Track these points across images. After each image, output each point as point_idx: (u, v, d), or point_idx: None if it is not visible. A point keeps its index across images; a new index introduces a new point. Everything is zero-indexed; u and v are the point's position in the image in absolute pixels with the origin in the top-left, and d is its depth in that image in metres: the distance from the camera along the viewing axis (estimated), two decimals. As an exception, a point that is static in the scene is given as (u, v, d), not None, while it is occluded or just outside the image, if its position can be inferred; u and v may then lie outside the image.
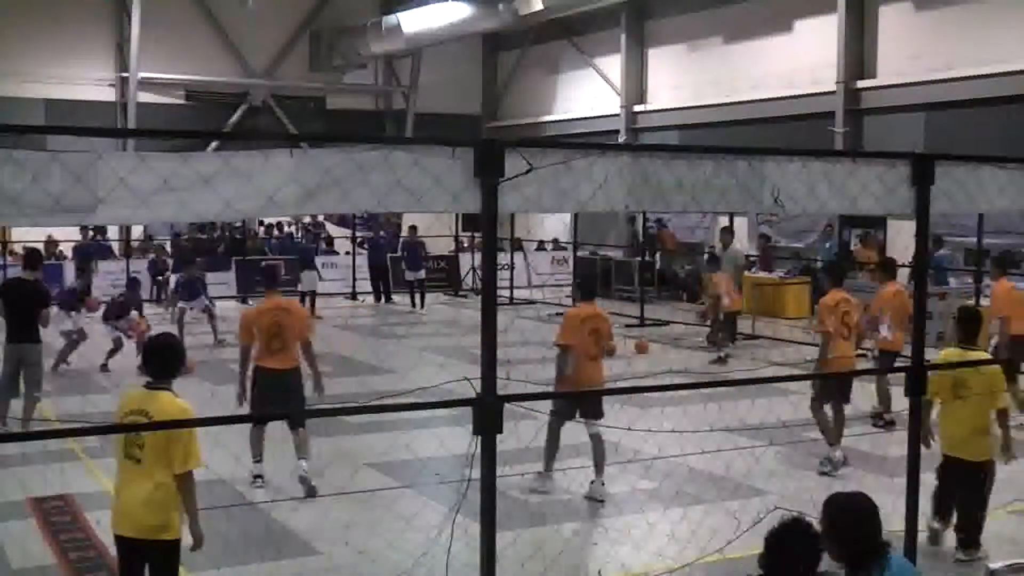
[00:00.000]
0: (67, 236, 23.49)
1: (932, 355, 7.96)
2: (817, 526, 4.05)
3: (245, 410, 9.02)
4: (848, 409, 11.75)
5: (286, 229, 29.91)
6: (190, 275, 18.95)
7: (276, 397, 8.95)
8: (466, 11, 27.90)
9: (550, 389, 9.49)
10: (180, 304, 18.13)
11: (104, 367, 14.75)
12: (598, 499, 8.82)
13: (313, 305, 22.03)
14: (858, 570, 4.06)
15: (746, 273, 22.60)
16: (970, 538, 7.34)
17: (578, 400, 8.95)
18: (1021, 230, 18.10)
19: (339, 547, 7.58)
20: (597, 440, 9.01)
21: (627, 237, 27.14)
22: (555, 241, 29.45)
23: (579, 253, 26.00)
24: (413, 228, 24.47)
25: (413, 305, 23.32)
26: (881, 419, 11.71)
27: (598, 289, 25.04)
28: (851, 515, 4.13)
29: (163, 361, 5.47)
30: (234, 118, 31.63)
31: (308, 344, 9.26)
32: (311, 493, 8.81)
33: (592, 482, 8.95)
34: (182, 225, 26.96)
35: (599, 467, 8.96)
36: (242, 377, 9.16)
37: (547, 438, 9.03)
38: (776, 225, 24.04)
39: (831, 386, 9.97)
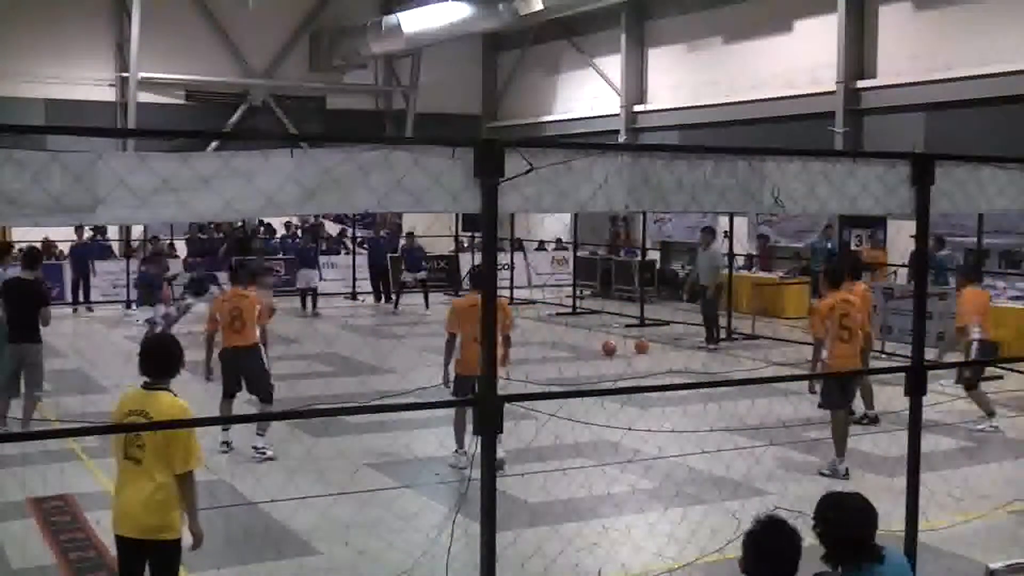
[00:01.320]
0: (63, 236, 23.49)
1: (933, 355, 8.02)
2: (793, 523, 4.03)
3: (217, 389, 10.20)
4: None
5: (291, 229, 29.91)
6: (199, 273, 19.43)
7: (239, 371, 10.27)
8: (466, 11, 27.89)
9: (551, 389, 9.50)
10: (188, 300, 18.41)
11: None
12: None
13: (315, 303, 22.04)
14: (851, 570, 4.06)
15: (746, 273, 22.67)
16: None
17: (473, 381, 9.33)
18: (1021, 230, 18.11)
19: (339, 547, 7.58)
20: None
21: (609, 236, 27.28)
22: (558, 241, 29.44)
23: (579, 253, 25.99)
24: (410, 235, 24.31)
25: (394, 304, 23.37)
26: (865, 417, 11.73)
27: (600, 289, 25.32)
28: (843, 514, 4.12)
29: (161, 361, 5.45)
30: (234, 118, 31.62)
31: (263, 327, 10.56)
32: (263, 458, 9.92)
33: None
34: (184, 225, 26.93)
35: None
36: (207, 359, 10.52)
37: (456, 422, 9.84)
38: (776, 225, 24.03)
39: (835, 392, 9.83)
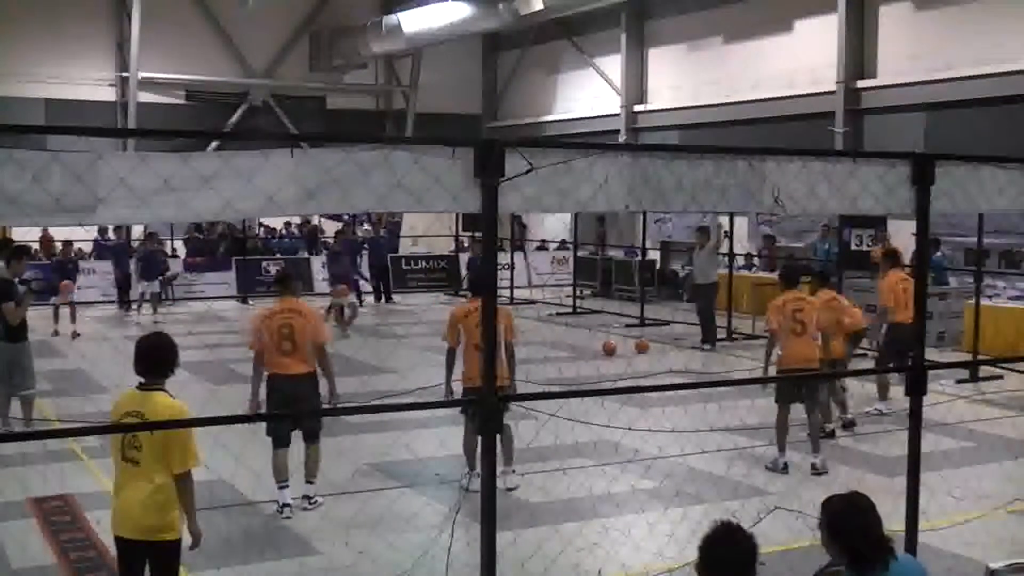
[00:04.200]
0: (63, 236, 23.49)
1: (933, 355, 8.03)
2: (749, 529, 3.99)
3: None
4: (849, 408, 11.78)
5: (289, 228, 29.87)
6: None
7: (292, 405, 8.37)
8: (466, 11, 27.89)
9: (551, 389, 9.50)
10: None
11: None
12: (511, 488, 8.94)
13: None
14: (861, 569, 4.03)
15: (746, 273, 22.66)
16: None
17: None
18: (1021, 230, 18.11)
19: (339, 547, 7.58)
20: (506, 430, 8.85)
21: (596, 235, 27.35)
22: (562, 241, 29.44)
23: (579, 253, 25.99)
24: (342, 230, 23.84)
25: (361, 302, 23.21)
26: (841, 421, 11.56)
27: (600, 289, 25.31)
28: (850, 515, 4.09)
29: (155, 361, 5.43)
30: (234, 118, 31.62)
31: (322, 349, 8.65)
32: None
33: (502, 471, 8.77)
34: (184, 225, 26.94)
35: (507, 458, 9.01)
36: (254, 385, 8.52)
37: (466, 441, 8.94)
38: (776, 225, 24.02)
39: (787, 386, 9.87)
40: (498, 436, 8.66)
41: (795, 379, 9.75)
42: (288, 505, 8.34)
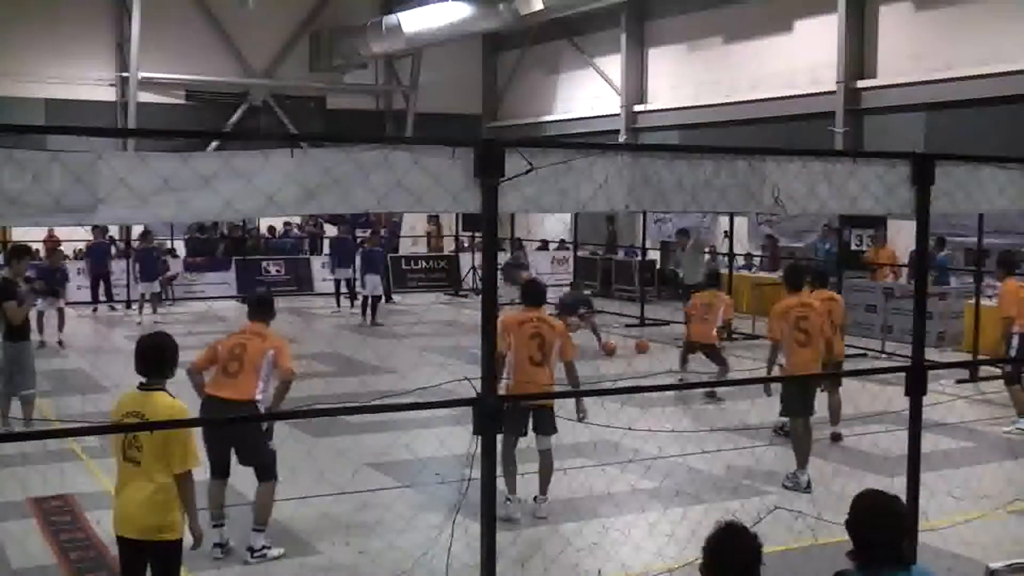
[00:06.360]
0: (66, 236, 23.50)
1: (933, 355, 8.04)
2: (753, 529, 3.97)
3: None
4: (849, 408, 11.79)
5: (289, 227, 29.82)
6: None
7: (226, 438, 7.37)
8: (466, 11, 27.89)
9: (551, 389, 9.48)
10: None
11: None
12: (539, 516, 8.41)
13: (373, 311, 21.06)
14: (870, 571, 4.00)
15: (746, 273, 22.66)
16: None
17: (528, 415, 8.32)
18: (1021, 230, 18.10)
19: (339, 547, 7.59)
20: (546, 456, 8.52)
21: (607, 236, 27.32)
22: (561, 242, 29.45)
23: (579, 253, 25.99)
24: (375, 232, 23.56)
25: (338, 304, 22.83)
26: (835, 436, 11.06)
27: (600, 289, 25.29)
28: (871, 513, 4.05)
29: (156, 361, 5.43)
30: (234, 118, 31.62)
31: (285, 380, 7.49)
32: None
33: (535, 498, 8.48)
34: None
35: (544, 484, 8.51)
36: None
37: (502, 461, 7.71)
38: (776, 225, 24.03)
39: (795, 399, 9.37)
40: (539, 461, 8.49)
41: (790, 379, 9.58)
42: (221, 545, 7.38)
